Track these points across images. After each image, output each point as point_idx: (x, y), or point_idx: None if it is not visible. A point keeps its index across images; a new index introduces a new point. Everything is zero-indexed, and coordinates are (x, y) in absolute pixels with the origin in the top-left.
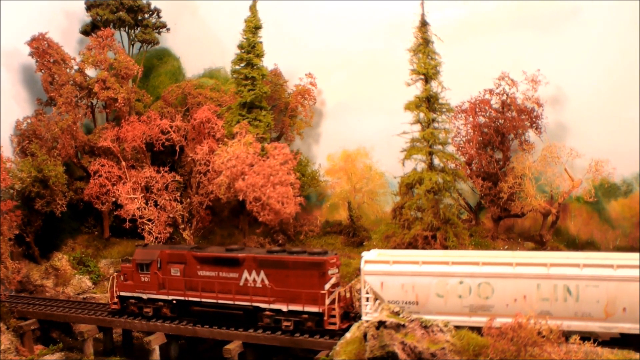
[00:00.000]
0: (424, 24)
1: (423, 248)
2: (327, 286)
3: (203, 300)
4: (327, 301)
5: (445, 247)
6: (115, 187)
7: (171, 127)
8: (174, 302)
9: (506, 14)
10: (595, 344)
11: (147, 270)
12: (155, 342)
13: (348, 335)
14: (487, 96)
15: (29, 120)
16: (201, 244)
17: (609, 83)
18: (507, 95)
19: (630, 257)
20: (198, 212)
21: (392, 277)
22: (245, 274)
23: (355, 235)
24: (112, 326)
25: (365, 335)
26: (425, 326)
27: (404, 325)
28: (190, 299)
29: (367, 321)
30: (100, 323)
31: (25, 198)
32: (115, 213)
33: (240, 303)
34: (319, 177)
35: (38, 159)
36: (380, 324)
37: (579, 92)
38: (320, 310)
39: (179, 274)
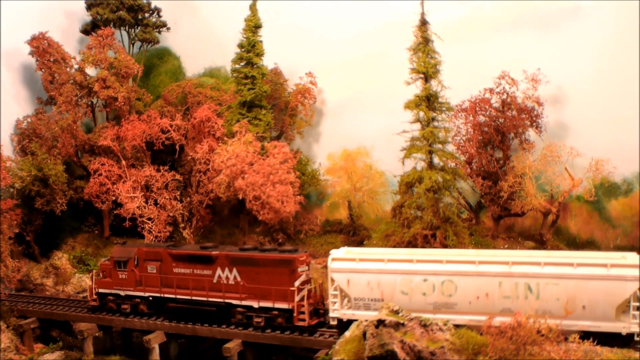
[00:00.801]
0: (423, 23)
1: (423, 247)
2: (297, 283)
3: (178, 296)
4: (297, 298)
5: (445, 246)
6: (115, 186)
7: (171, 126)
8: (150, 298)
9: (506, 13)
10: (595, 343)
11: (124, 268)
12: (155, 340)
13: (347, 333)
14: (488, 95)
15: (29, 119)
16: (202, 242)
17: (609, 82)
18: (508, 94)
19: (592, 256)
20: (198, 211)
21: (358, 274)
22: (219, 272)
23: (355, 234)
24: (112, 325)
25: (364, 334)
26: (424, 325)
27: (403, 324)
28: (166, 295)
29: (366, 320)
30: (100, 322)
31: (25, 197)
32: (115, 212)
33: (214, 300)
34: (319, 176)
35: (38, 157)
36: (380, 323)
37: (579, 91)
38: (290, 307)
39: (155, 271)
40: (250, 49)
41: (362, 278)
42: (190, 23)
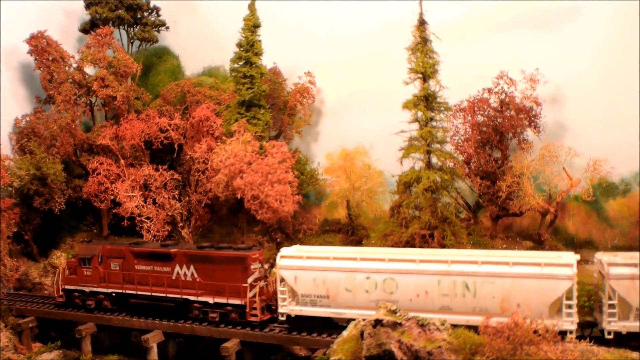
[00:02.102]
0: (422, 23)
1: (421, 247)
2: (250, 280)
3: (139, 292)
4: (250, 294)
5: (443, 246)
6: (113, 185)
7: (170, 125)
8: (113, 294)
9: (505, 12)
10: (592, 343)
11: (89, 265)
12: (153, 340)
13: (345, 333)
14: (486, 95)
15: (27, 118)
16: (200, 242)
17: (608, 82)
18: (506, 94)
19: (530, 255)
20: (197, 210)
21: (305, 271)
22: (177, 269)
23: (353, 233)
24: (110, 324)
25: (362, 334)
26: (422, 325)
27: (400, 324)
28: (128, 291)
29: (364, 319)
30: (98, 321)
31: (23, 196)
32: (113, 211)
33: (172, 296)
34: (317, 176)
35: (37, 156)
36: (377, 322)
37: (578, 91)
38: (243, 303)
39: (118, 268)
40: (249, 49)
41: (308, 275)
42: (189, 22)
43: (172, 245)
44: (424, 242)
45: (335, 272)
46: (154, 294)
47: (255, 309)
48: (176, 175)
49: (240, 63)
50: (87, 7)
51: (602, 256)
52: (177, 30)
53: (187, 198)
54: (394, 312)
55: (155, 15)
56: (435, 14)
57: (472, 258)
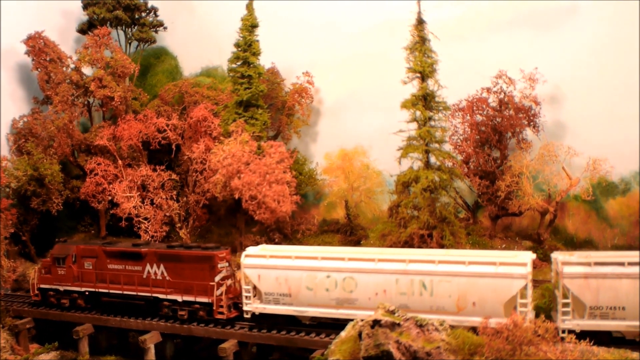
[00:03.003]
0: (420, 22)
1: (419, 246)
2: (217, 278)
3: (111, 291)
4: (217, 292)
5: (442, 246)
6: (111, 186)
7: (167, 125)
8: (87, 293)
9: (503, 11)
10: (592, 343)
11: (63, 264)
12: (150, 340)
13: (343, 334)
14: (485, 94)
15: (25, 119)
16: (199, 242)
17: (607, 81)
18: (505, 93)
19: (486, 254)
20: (194, 210)
21: (268, 270)
22: (148, 267)
23: (352, 234)
24: (108, 325)
25: (360, 334)
26: (420, 325)
27: (399, 324)
28: (100, 290)
29: (362, 320)
30: (96, 322)
31: (21, 197)
32: (111, 212)
33: (143, 294)
34: (316, 176)
35: (34, 157)
36: (375, 323)
37: (577, 90)
38: (210, 301)
39: (91, 267)
40: (246, 48)
41: (271, 274)
42: (187, 22)
43: (144, 245)
44: (423, 242)
45: (296, 270)
46: (125, 292)
47: (222, 306)
48: (174, 176)
49: (238, 63)
50: (85, 7)
51: (557, 255)
52: (175, 30)
53: (185, 198)
54: (392, 312)
55: (153, 15)
56: (434, 14)
57: (430, 257)
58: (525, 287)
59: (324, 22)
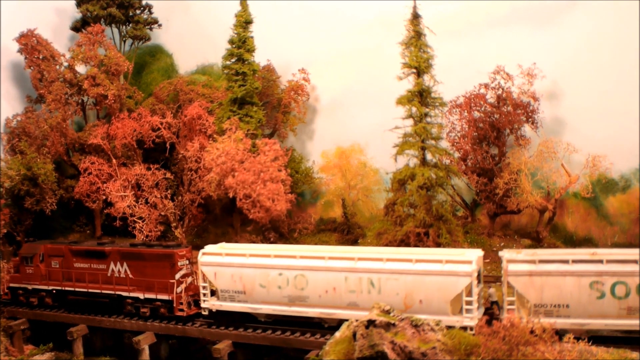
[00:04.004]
0: (415, 17)
1: (416, 245)
2: (177, 276)
3: (76, 289)
4: (177, 290)
5: (438, 244)
6: (105, 185)
7: (162, 123)
8: (54, 291)
9: (501, 6)
10: (590, 343)
11: (31, 263)
12: (145, 341)
13: (337, 334)
14: (482, 91)
15: (18, 118)
16: (195, 242)
17: (606, 77)
18: (503, 89)
19: (434, 252)
20: (190, 210)
21: (224, 267)
22: (112, 266)
23: (349, 232)
24: (102, 326)
25: (354, 335)
26: (415, 325)
27: (394, 324)
28: (66, 288)
29: (357, 320)
30: (90, 322)
31: (14, 196)
32: (105, 211)
33: (107, 292)
34: (313, 174)
35: (27, 157)
36: (370, 323)
37: (576, 86)
38: (170, 298)
39: (58, 266)
40: (241, 45)
41: (227, 271)
42: (182, 20)
43: (109, 244)
44: (419, 240)
45: (250, 268)
46: (90, 290)
47: (182, 303)
48: (168, 175)
49: (233, 60)
50: (79, 5)
51: (504, 253)
52: (170, 28)
53: (180, 197)
54: (387, 312)
55: (148, 13)
56: (430, 9)
57: (378, 255)
58: (470, 285)
59: (320, 19)
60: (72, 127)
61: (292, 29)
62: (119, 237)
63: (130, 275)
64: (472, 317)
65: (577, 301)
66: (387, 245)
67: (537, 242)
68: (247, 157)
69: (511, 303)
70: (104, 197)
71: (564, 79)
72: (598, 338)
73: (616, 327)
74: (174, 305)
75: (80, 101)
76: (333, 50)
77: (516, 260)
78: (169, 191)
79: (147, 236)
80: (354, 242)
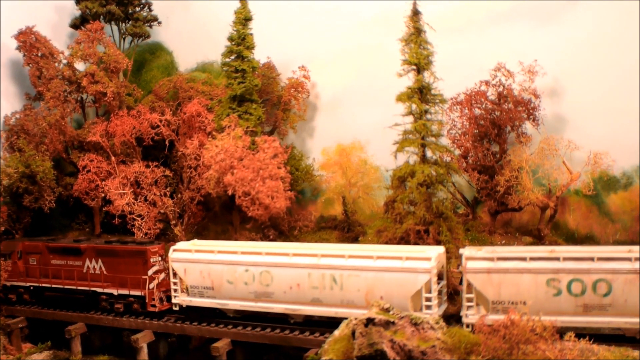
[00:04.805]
0: (415, 13)
1: (416, 243)
2: (150, 272)
3: (53, 286)
4: (150, 286)
5: (439, 242)
6: (104, 183)
7: (161, 121)
8: (32, 288)
9: (502, 4)
10: (592, 342)
11: (9, 260)
12: (143, 340)
13: (337, 332)
14: (483, 88)
15: (17, 116)
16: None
17: (608, 73)
18: (504, 86)
19: (395, 249)
20: (189, 207)
21: (193, 264)
22: (87, 262)
23: (350, 230)
24: (100, 324)
25: (353, 333)
26: (415, 323)
27: (393, 323)
28: (43, 285)
29: (352, 320)
30: (88, 321)
31: (13, 194)
32: (104, 209)
33: (82, 288)
34: (313, 172)
35: (26, 154)
36: (369, 321)
37: (578, 83)
38: (143, 294)
39: (35, 262)
40: (240, 42)
41: (196, 267)
42: (182, 17)
43: (85, 241)
44: (419, 238)
45: (218, 264)
46: (66, 286)
47: (154, 299)
48: (167, 172)
49: (232, 57)
50: (78, 2)
51: (464, 250)
52: (170, 25)
53: (179, 195)
54: (386, 310)
55: (147, 10)
56: (431, 6)
57: (340, 252)
58: (429, 282)
59: (320, 16)
60: (71, 125)
61: (292, 26)
62: (118, 234)
63: (105, 272)
64: (432, 314)
65: (534, 298)
66: (387, 243)
67: (538, 239)
68: (246, 154)
69: (469, 300)
70: (103, 195)
71: (565, 76)
72: (599, 336)
73: (572, 324)
74: (147, 301)
75: (79, 99)
76: (333, 48)
77: (475, 257)
78: (168, 189)
79: (146, 234)
80: (355, 240)
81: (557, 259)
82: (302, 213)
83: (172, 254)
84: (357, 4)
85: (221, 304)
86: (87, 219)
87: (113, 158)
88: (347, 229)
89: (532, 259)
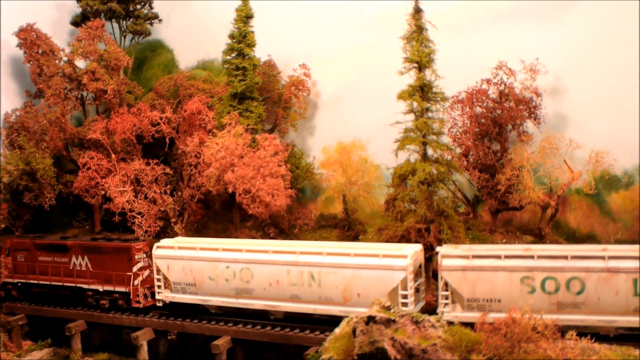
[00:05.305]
0: (417, 11)
1: (416, 241)
2: (135, 269)
3: (40, 282)
4: (135, 282)
5: (440, 240)
6: (104, 180)
7: (161, 118)
8: (19, 284)
9: (504, 2)
10: (593, 340)
11: None
12: (143, 337)
13: (337, 330)
14: (484, 86)
15: (17, 113)
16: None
17: (610, 72)
18: (505, 85)
19: (372, 247)
20: (189, 205)
21: (176, 260)
22: (74, 259)
23: (350, 229)
24: (100, 321)
25: (354, 331)
26: (416, 321)
27: (394, 321)
28: (31, 281)
29: (355, 318)
30: (88, 318)
31: (13, 191)
32: (105, 207)
33: (68, 284)
34: (313, 170)
35: (26, 151)
36: (370, 319)
37: (579, 81)
38: (127, 290)
39: (23, 259)
40: (241, 40)
41: (178, 264)
42: (183, 15)
43: (72, 238)
44: (420, 236)
45: (200, 261)
46: (53, 283)
47: (138, 295)
48: (167, 170)
49: (233, 55)
50: None
51: (441, 248)
52: (171, 23)
53: (179, 193)
54: (387, 308)
55: (148, 7)
56: (432, 4)
57: (319, 249)
58: (405, 279)
59: (321, 14)
60: (71, 122)
61: (293, 24)
62: (118, 232)
63: (91, 269)
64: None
65: (509, 296)
66: (387, 241)
67: (539, 238)
68: (246, 152)
69: (445, 297)
70: (103, 193)
71: (566, 75)
72: (600, 335)
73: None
74: (131, 297)
75: (79, 96)
76: (334, 46)
77: (451, 255)
78: (168, 186)
79: (146, 231)
80: (355, 238)
81: (532, 257)
82: (303, 211)
83: (155, 251)
84: (358, 2)
85: (203, 300)
86: (87, 217)
87: (113, 155)
88: (348, 227)
89: (507, 257)
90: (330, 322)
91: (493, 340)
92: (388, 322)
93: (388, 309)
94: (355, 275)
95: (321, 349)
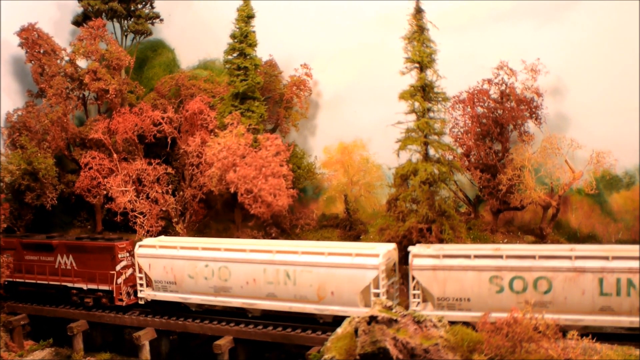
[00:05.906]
0: (418, 11)
1: (418, 241)
2: (118, 268)
3: (26, 281)
4: (118, 281)
5: (441, 240)
6: (106, 180)
7: (163, 118)
8: (6, 283)
9: (505, 2)
10: (594, 340)
11: None
12: (145, 337)
13: (339, 330)
14: (486, 86)
15: (19, 113)
16: (196, 237)
17: (612, 72)
18: (506, 85)
19: (346, 246)
20: (191, 205)
21: (157, 259)
22: (59, 258)
23: (352, 228)
24: (102, 321)
25: (356, 331)
26: (418, 321)
27: (396, 320)
28: (17, 280)
29: (354, 317)
30: (90, 318)
31: (15, 191)
32: (106, 206)
33: (53, 283)
34: (315, 170)
35: (28, 151)
36: (372, 319)
37: (580, 81)
38: (110, 289)
39: (11, 258)
40: (242, 40)
41: (160, 263)
42: (184, 15)
43: (58, 237)
44: (422, 236)
45: (180, 260)
46: (38, 281)
47: (122, 294)
48: (169, 170)
49: (234, 54)
50: None
51: (413, 248)
52: (172, 23)
53: (181, 193)
54: (389, 308)
55: (149, 7)
56: (433, 3)
57: (294, 248)
58: (377, 278)
59: (323, 14)
60: (73, 122)
61: (294, 24)
62: (120, 232)
63: (75, 267)
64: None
65: (478, 295)
66: (389, 241)
67: (540, 238)
68: (248, 151)
69: (415, 296)
70: (105, 192)
71: (568, 75)
72: (601, 335)
73: None
74: (114, 295)
75: (81, 96)
76: (335, 46)
77: (421, 255)
78: (170, 186)
79: (148, 231)
80: (357, 238)
81: (501, 257)
82: (304, 211)
83: (137, 250)
84: (359, 2)
85: (183, 298)
86: (89, 217)
87: (115, 155)
88: (349, 227)
89: (476, 256)
90: (332, 322)
91: (495, 340)
92: (390, 322)
93: (390, 308)
94: (329, 273)
95: (323, 348)
